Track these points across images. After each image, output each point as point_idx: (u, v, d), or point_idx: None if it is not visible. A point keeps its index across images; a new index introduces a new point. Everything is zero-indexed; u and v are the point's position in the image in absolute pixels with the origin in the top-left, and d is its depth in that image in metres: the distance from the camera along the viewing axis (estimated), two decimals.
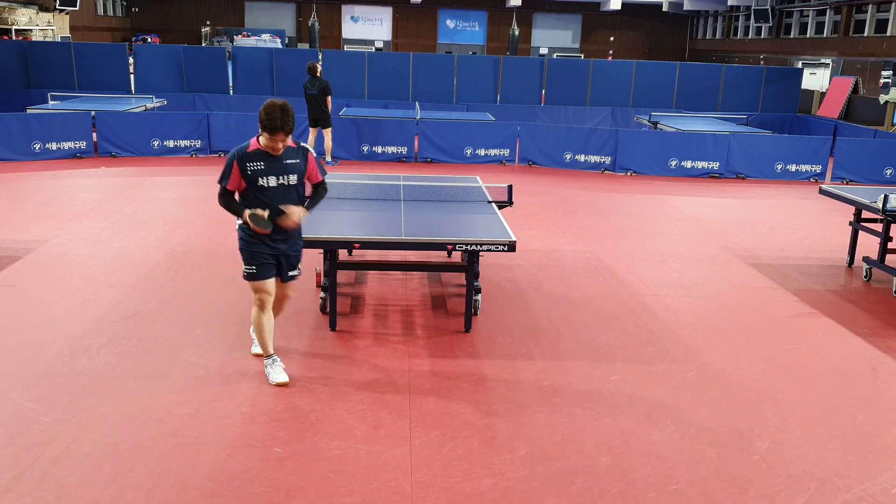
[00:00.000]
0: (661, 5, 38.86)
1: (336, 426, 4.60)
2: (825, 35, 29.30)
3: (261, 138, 4.88)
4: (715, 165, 14.40)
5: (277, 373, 5.17)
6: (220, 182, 4.96)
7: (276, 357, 5.27)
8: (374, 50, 38.78)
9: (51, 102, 16.38)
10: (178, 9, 41.29)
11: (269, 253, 5.05)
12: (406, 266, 7.28)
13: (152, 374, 5.19)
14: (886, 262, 7.88)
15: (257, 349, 5.54)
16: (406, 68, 20.77)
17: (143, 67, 20.38)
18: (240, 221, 5.01)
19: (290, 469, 4.15)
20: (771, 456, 4.48)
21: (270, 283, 5.13)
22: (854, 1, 27.24)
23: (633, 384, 5.35)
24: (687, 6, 37.19)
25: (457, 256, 7.85)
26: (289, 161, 4.96)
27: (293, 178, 4.99)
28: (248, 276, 5.09)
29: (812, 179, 14.44)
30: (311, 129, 13.70)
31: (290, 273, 5.25)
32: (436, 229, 6.11)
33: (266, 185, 4.90)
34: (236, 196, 4.99)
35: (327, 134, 13.64)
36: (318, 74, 13.29)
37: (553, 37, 43.19)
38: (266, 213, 4.88)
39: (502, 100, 20.89)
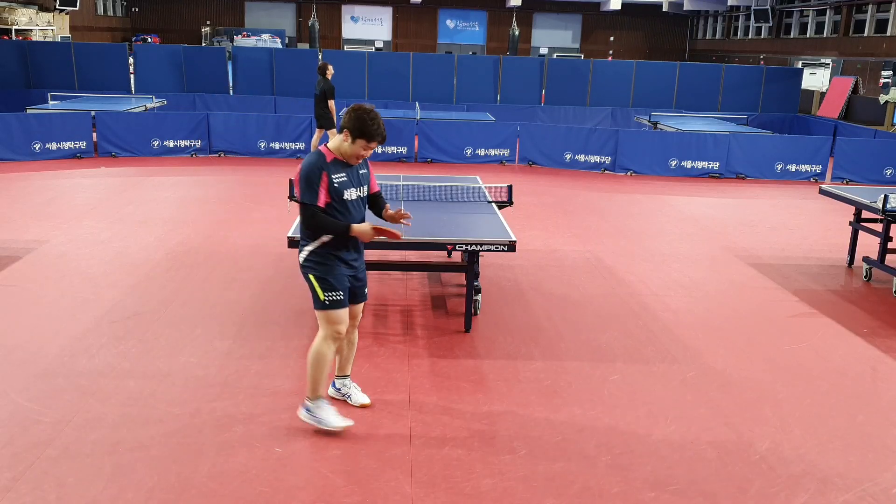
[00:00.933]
0: (661, 5, 38.86)
1: None
2: (825, 35, 29.30)
3: (339, 145, 4.38)
4: (715, 165, 14.40)
5: (336, 417, 4.56)
6: (306, 200, 4.28)
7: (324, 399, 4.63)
8: (374, 50, 38.78)
9: (51, 102, 16.39)
10: (178, 9, 41.29)
11: (348, 276, 4.51)
12: (406, 266, 7.28)
13: (152, 374, 5.19)
14: (886, 262, 7.87)
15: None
16: (406, 68, 20.77)
17: (143, 67, 20.38)
18: (313, 246, 4.42)
19: (290, 469, 4.15)
20: (771, 456, 4.48)
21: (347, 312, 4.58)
22: (854, 1, 27.24)
23: (633, 384, 5.35)
24: (687, 6, 37.19)
25: (457, 256, 7.85)
26: (362, 171, 4.54)
27: (365, 190, 4.57)
28: (334, 304, 4.42)
29: (812, 179, 14.44)
30: (317, 130, 13.72)
31: (366, 290, 4.75)
32: (436, 229, 6.11)
33: (349, 198, 4.41)
34: None
35: (330, 134, 13.50)
36: (326, 76, 13.06)
37: (553, 37, 43.20)
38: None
39: (502, 100, 20.90)
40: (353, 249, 4.52)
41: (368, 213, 4.76)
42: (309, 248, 4.43)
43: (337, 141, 4.42)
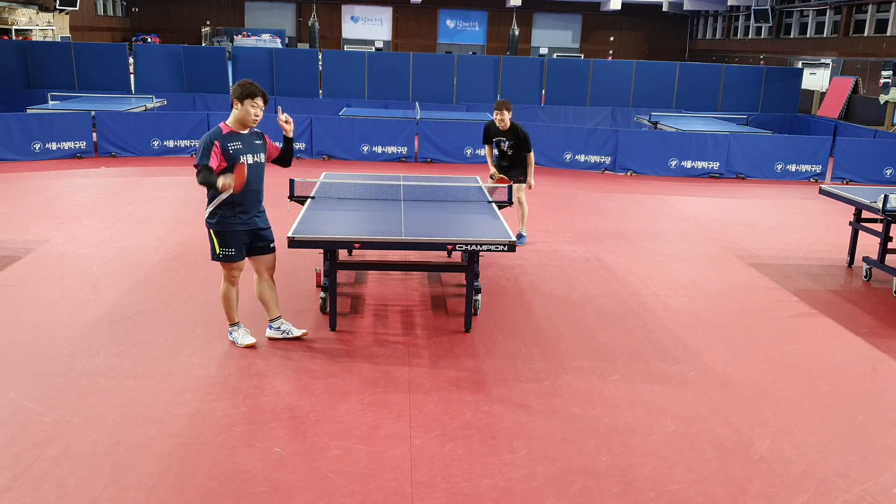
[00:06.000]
0: (661, 5, 38.86)
1: (336, 426, 4.60)
2: (825, 35, 29.30)
3: (233, 117, 5.35)
4: (715, 165, 14.40)
5: (244, 336, 5.73)
6: (196, 162, 5.29)
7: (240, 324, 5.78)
8: (374, 50, 38.77)
9: (51, 102, 16.39)
10: (178, 9, 41.28)
11: (245, 232, 5.50)
12: (406, 266, 7.28)
13: (152, 374, 5.19)
14: (886, 262, 7.87)
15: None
16: (406, 68, 20.77)
17: (143, 67, 20.39)
18: (213, 205, 5.43)
19: (290, 469, 4.15)
20: (771, 456, 4.48)
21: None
22: (854, 1, 27.23)
23: (633, 384, 5.35)
24: (687, 6, 37.19)
25: (457, 256, 7.85)
26: (257, 142, 5.49)
27: (263, 157, 5.54)
28: (226, 258, 5.50)
29: (812, 179, 14.44)
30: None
31: (271, 245, 5.68)
32: (436, 229, 6.11)
33: (246, 163, 5.34)
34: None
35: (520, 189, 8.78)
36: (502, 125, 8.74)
37: (553, 37, 43.19)
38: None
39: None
40: (250, 209, 5.44)
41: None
42: (210, 207, 5.40)
43: (232, 115, 5.33)
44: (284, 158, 5.80)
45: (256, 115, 5.33)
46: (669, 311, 6.89)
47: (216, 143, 5.22)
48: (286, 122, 5.62)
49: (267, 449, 4.33)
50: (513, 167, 8.81)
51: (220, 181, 5.10)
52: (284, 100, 19.99)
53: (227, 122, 5.37)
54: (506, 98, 20.74)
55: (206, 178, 5.19)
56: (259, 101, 5.29)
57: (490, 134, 8.92)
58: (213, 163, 5.22)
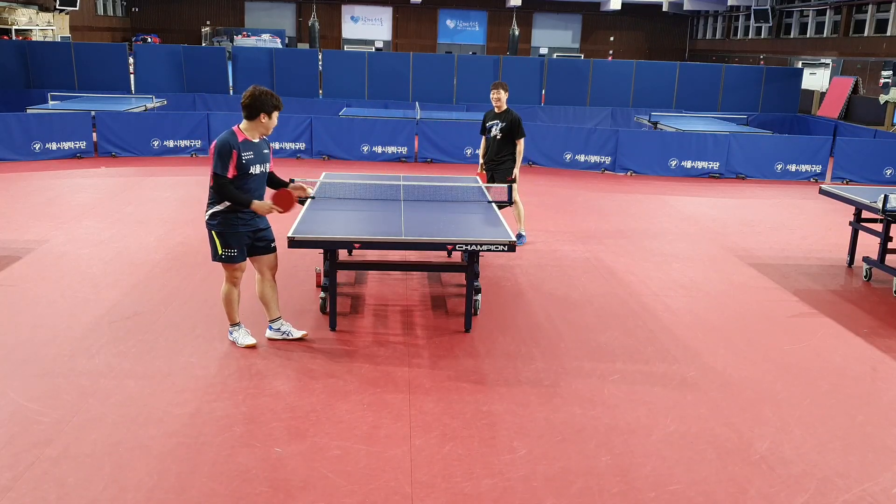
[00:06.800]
0: (661, 5, 38.87)
1: (336, 426, 4.60)
2: (825, 35, 29.30)
3: (253, 127, 5.33)
4: (715, 165, 14.40)
5: (244, 336, 5.72)
6: (217, 171, 5.23)
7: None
8: (374, 50, 38.77)
9: (51, 102, 16.40)
10: (178, 9, 41.28)
11: (247, 233, 5.47)
12: (406, 266, 7.28)
13: (152, 374, 5.19)
14: (886, 262, 7.87)
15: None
16: (406, 68, 20.78)
17: (143, 67, 20.39)
18: (217, 208, 5.38)
19: (290, 469, 4.15)
20: (771, 456, 4.48)
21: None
22: (854, 1, 27.23)
23: (633, 384, 5.35)
24: (687, 6, 37.19)
25: (457, 256, 7.85)
26: (265, 151, 5.48)
27: (268, 167, 5.52)
28: (229, 259, 5.45)
29: (812, 179, 14.44)
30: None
31: (272, 244, 5.66)
32: (436, 229, 6.10)
33: (254, 173, 5.36)
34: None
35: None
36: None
37: (553, 37, 43.19)
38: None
39: None
40: (250, 211, 5.38)
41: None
42: (214, 209, 5.34)
43: (251, 123, 5.30)
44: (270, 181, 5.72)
45: (274, 125, 5.43)
46: (669, 311, 6.89)
47: (234, 151, 5.19)
48: (301, 188, 5.72)
49: (267, 449, 4.33)
50: (499, 165, 8.57)
51: (264, 209, 5.31)
52: (284, 100, 19.96)
53: (243, 129, 5.31)
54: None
55: (236, 198, 5.24)
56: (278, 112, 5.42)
57: (486, 120, 8.72)
58: (229, 173, 5.21)
